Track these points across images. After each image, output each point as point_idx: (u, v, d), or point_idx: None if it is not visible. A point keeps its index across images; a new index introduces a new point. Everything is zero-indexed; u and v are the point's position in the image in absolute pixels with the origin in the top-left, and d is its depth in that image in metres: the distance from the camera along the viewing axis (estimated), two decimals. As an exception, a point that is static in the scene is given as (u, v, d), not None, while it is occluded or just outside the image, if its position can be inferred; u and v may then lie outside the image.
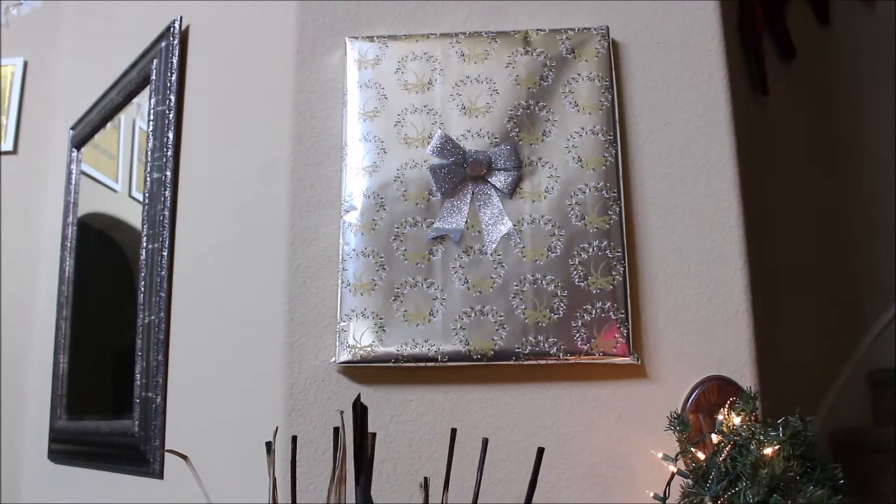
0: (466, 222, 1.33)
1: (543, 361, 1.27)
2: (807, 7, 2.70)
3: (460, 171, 1.34)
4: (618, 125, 1.37)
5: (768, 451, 1.02)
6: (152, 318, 1.73)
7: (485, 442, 1.09)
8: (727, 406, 1.13)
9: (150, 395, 1.70)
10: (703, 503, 1.02)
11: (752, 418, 1.11)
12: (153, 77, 1.87)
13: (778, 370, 1.98)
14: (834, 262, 2.55)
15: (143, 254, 1.79)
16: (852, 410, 2.47)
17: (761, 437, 1.02)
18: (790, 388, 2.16)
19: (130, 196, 2.03)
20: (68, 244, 2.29)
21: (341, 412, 1.06)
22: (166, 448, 1.62)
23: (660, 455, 1.15)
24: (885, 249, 2.68)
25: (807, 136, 2.58)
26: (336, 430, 1.06)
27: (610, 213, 1.32)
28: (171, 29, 1.83)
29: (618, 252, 1.30)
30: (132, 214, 1.95)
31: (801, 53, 2.57)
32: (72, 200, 2.32)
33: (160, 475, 1.64)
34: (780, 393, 1.80)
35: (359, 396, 1.03)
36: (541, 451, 1.02)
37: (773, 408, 1.24)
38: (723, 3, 1.45)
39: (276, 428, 1.17)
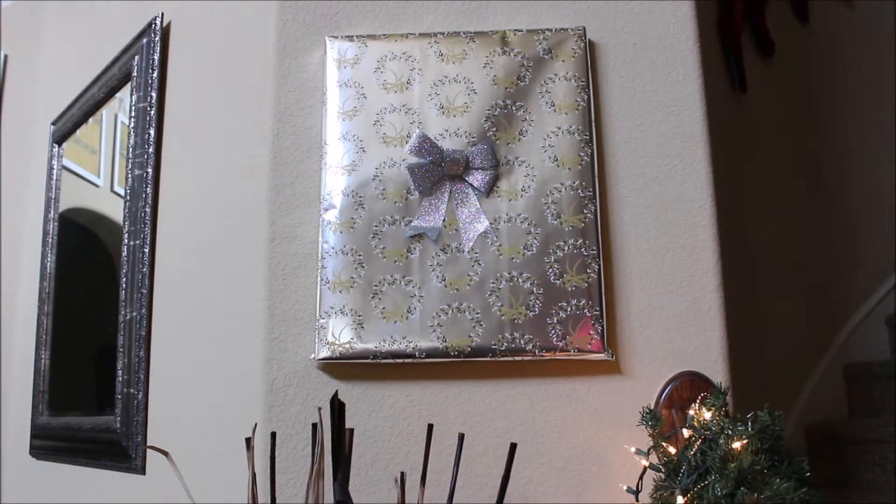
0: (444, 221, 1.34)
1: (519, 358, 1.29)
2: (787, 5, 2.73)
3: (438, 170, 1.36)
4: (594, 125, 1.39)
5: (737, 445, 1.05)
6: (134, 314, 1.74)
7: (461, 437, 1.11)
8: (698, 401, 1.16)
9: (131, 391, 1.71)
10: (673, 496, 1.04)
11: (723, 413, 1.14)
12: (134, 73, 1.87)
13: (756, 364, 2.01)
14: (811, 257, 2.58)
15: (125, 250, 1.80)
16: (829, 404, 2.51)
17: (730, 432, 1.05)
18: (767, 383, 2.19)
19: (112, 191, 2.03)
20: (50, 240, 2.29)
21: (319, 409, 1.08)
22: (148, 444, 1.63)
23: (633, 449, 1.18)
24: (862, 245, 2.72)
25: (785, 132, 2.61)
26: (315, 425, 1.07)
27: (585, 211, 1.34)
28: (153, 26, 1.83)
29: (593, 250, 1.32)
30: (114, 209, 1.95)
31: (781, 51, 2.60)
32: (53, 196, 2.31)
33: (142, 471, 1.65)
34: (757, 387, 1.84)
35: (336, 393, 1.04)
36: (513, 446, 1.04)
37: (749, 402, 1.26)
38: (700, 3, 1.48)
39: (255, 424, 1.19)
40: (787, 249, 2.48)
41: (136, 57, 1.88)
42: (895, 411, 2.36)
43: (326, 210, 1.37)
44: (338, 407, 1.02)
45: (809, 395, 2.50)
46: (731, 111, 2.31)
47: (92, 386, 2.01)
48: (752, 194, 2.35)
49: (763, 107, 2.51)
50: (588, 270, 1.31)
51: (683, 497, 1.04)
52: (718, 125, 1.80)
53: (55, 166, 2.34)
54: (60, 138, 2.33)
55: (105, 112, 2.11)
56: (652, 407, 1.27)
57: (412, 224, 1.35)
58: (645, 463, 1.15)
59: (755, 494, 0.99)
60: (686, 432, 1.13)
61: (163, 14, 1.82)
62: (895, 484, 2.13)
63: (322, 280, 1.34)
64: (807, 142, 2.70)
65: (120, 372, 1.75)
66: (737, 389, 1.35)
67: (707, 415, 1.13)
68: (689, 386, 1.30)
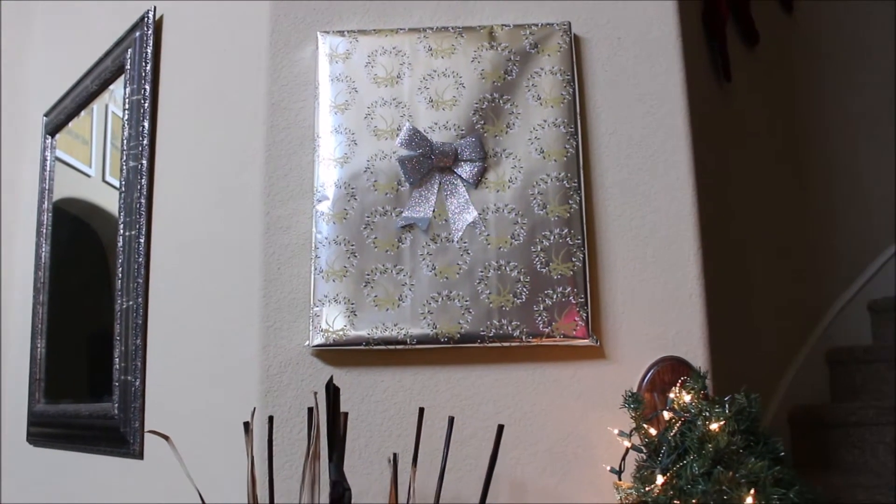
0: (434, 211, 1.38)
1: (507, 344, 1.34)
2: (771, -6, 2.77)
3: (428, 162, 1.40)
4: (579, 117, 1.43)
5: (714, 426, 1.10)
6: (130, 303, 1.77)
7: (451, 420, 1.16)
8: (678, 385, 1.20)
9: (129, 378, 1.74)
10: (653, 475, 1.09)
11: (701, 396, 1.19)
12: (128, 66, 1.90)
13: (738, 349, 2.06)
14: (795, 244, 2.63)
15: (121, 241, 1.83)
16: (812, 388, 2.56)
17: (707, 414, 1.09)
18: (750, 367, 2.25)
19: (104, 181, 2.06)
20: (44, 230, 2.32)
21: (315, 393, 1.12)
22: (147, 429, 1.67)
23: (616, 431, 1.23)
24: (845, 232, 2.77)
25: (770, 118, 2.66)
26: (310, 410, 1.12)
27: (570, 202, 1.38)
28: (146, 19, 1.86)
29: (578, 239, 1.37)
30: (106, 199, 1.98)
31: (766, 40, 2.63)
32: (46, 187, 2.34)
33: (140, 455, 1.69)
34: (739, 371, 1.88)
35: (331, 378, 1.09)
36: (500, 428, 1.09)
37: (731, 386, 1.31)
38: None
39: (254, 409, 1.23)
40: (773, 236, 2.53)
41: (130, 50, 1.90)
42: (875, 395, 2.42)
43: (319, 201, 1.40)
44: (332, 392, 1.06)
45: (793, 379, 2.56)
46: (715, 100, 2.34)
47: (87, 374, 2.04)
48: (738, 182, 2.40)
49: (748, 95, 2.55)
50: (573, 259, 1.36)
51: (663, 476, 1.08)
52: (701, 115, 1.84)
53: (48, 157, 2.37)
54: (53, 130, 2.35)
55: (96, 103, 2.13)
56: (634, 390, 1.32)
57: (403, 215, 1.39)
58: (627, 444, 1.19)
59: (730, 473, 1.04)
60: (667, 414, 1.18)
61: (155, 8, 1.85)
62: (874, 465, 2.19)
63: (316, 269, 1.38)
64: (791, 130, 2.74)
65: (117, 360, 1.79)
66: (717, 373, 1.40)
67: (686, 398, 1.17)
68: (671, 370, 1.34)
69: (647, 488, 1.08)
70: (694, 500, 1.03)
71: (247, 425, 1.15)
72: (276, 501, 1.16)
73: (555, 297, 1.34)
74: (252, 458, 1.14)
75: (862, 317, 2.71)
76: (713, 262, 1.64)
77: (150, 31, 1.85)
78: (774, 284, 2.50)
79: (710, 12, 2.43)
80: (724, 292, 1.96)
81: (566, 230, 1.37)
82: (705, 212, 1.47)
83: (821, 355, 2.65)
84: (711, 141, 2.06)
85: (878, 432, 2.24)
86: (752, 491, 1.01)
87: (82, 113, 2.20)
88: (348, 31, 1.47)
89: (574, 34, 1.47)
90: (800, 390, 2.53)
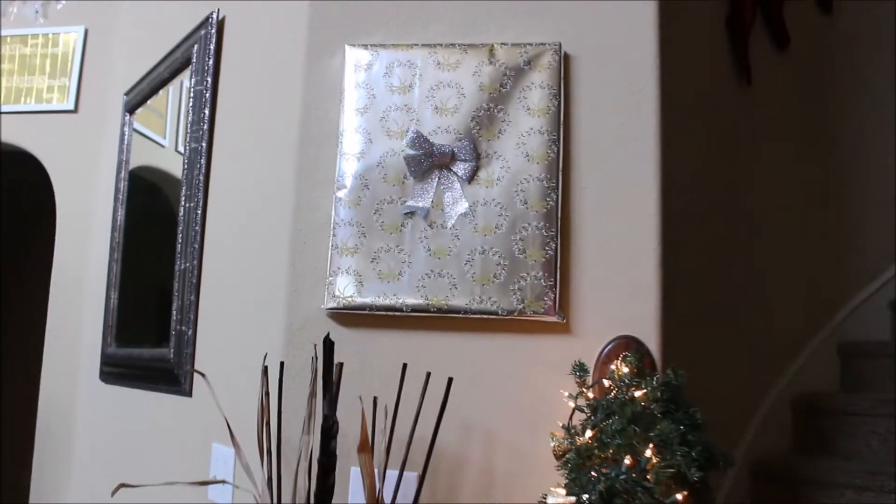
0: (432, 202, 1.64)
1: (487, 316, 1.58)
2: (809, -5, 2.84)
3: (429, 161, 1.65)
4: (562, 127, 1.64)
5: (638, 393, 1.33)
6: (187, 264, 2.08)
7: (427, 375, 1.42)
8: (619, 358, 1.43)
9: (183, 328, 2.05)
10: (584, 430, 1.34)
11: (645, 368, 1.42)
12: (194, 60, 2.19)
13: (741, 336, 2.24)
14: (817, 241, 2.77)
15: (182, 210, 2.13)
16: (822, 378, 2.70)
17: (628, 382, 1.33)
18: (753, 353, 2.42)
19: (177, 150, 2.32)
20: (121, 196, 2.65)
21: (315, 346, 1.40)
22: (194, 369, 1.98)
23: (566, 394, 1.46)
24: (869, 232, 2.87)
25: (798, 119, 2.75)
26: (313, 358, 1.40)
27: (548, 199, 1.61)
28: (210, 19, 2.14)
29: (552, 231, 1.60)
30: (177, 167, 2.24)
31: (801, 41, 2.71)
32: (124, 159, 2.66)
33: (189, 394, 2.00)
34: (712, 356, 2.07)
35: (328, 335, 1.36)
36: (450, 380, 1.35)
37: (696, 366, 1.48)
38: (664, 23, 1.70)
39: (266, 354, 1.51)
40: (794, 234, 2.66)
41: (196, 45, 2.19)
42: (880, 388, 2.55)
43: (339, 189, 1.67)
44: (328, 345, 1.34)
45: (801, 368, 2.69)
46: (730, 102, 2.49)
47: (150, 323, 2.35)
48: (756, 178, 2.52)
49: (773, 97, 2.64)
50: (546, 248, 1.59)
51: (591, 431, 1.33)
52: (710, 118, 2.01)
53: (126, 132, 2.69)
54: (132, 108, 2.67)
55: (171, 85, 2.41)
56: (591, 362, 1.54)
57: (406, 203, 1.64)
58: (572, 405, 1.43)
59: (641, 431, 1.27)
60: (606, 382, 1.41)
61: (219, 10, 2.12)
62: (866, 453, 2.34)
63: (333, 245, 1.65)
64: (820, 130, 2.81)
65: (174, 312, 2.09)
66: (671, 352, 1.59)
67: (625, 369, 1.41)
68: (625, 346, 1.56)
69: (576, 439, 1.33)
70: (610, 450, 1.27)
71: (265, 369, 1.44)
72: (282, 430, 1.45)
73: (529, 279, 1.58)
74: (267, 394, 1.42)
75: (882, 314, 2.80)
76: (690, 256, 1.85)
77: (213, 31, 2.12)
78: (791, 279, 2.63)
79: (734, 17, 2.53)
80: (710, 283, 2.15)
81: (543, 223, 1.60)
82: (677, 211, 1.68)
83: (833, 348, 2.78)
84: (723, 139, 2.22)
85: (871, 423, 2.39)
86: (652, 446, 1.24)
87: (160, 92, 2.49)
88: (371, 45, 1.72)
89: (565, 52, 1.68)
90: (809, 379, 2.66)
